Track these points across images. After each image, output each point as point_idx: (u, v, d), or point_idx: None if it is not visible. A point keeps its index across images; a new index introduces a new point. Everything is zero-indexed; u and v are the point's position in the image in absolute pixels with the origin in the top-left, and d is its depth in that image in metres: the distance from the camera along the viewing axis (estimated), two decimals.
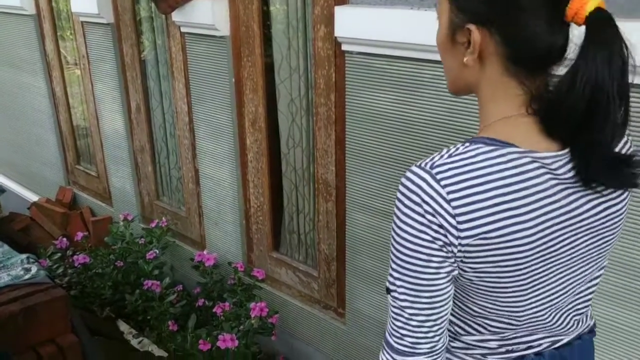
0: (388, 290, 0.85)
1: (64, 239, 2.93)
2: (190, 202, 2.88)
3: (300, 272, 2.47)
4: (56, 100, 3.68)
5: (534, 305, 0.86)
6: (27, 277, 1.65)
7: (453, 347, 0.95)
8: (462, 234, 0.76)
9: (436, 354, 0.85)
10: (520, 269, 0.80)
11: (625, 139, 0.85)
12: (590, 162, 0.77)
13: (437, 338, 0.84)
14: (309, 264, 2.47)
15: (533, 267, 0.81)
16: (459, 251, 0.78)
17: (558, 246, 0.81)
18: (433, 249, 0.78)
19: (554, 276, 0.84)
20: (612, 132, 0.75)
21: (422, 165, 0.78)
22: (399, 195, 0.79)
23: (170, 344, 2.39)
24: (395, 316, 0.84)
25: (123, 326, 2.67)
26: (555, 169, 0.78)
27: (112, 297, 2.72)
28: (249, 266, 2.63)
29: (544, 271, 0.82)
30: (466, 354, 0.94)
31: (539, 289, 0.84)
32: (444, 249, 0.78)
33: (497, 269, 0.80)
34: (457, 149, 0.79)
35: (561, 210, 0.80)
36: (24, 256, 1.76)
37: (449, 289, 0.82)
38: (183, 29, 2.45)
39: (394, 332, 0.85)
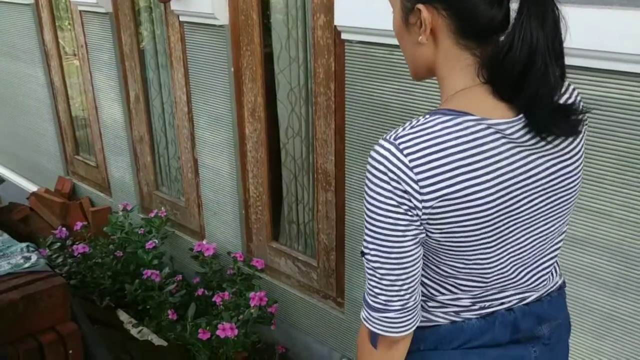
0: (362, 253, 0.92)
1: (64, 228, 2.93)
2: (189, 192, 2.88)
3: (300, 262, 2.48)
4: (54, 90, 3.67)
5: (499, 262, 0.93)
6: (26, 265, 1.65)
7: (430, 306, 1.01)
8: (425, 197, 0.84)
9: (407, 311, 0.93)
10: (483, 228, 0.87)
11: (569, 90, 0.91)
12: (535, 113, 0.84)
13: (407, 296, 0.92)
14: (308, 254, 2.47)
15: (495, 226, 0.87)
16: (424, 214, 0.85)
17: (518, 205, 0.88)
18: (399, 213, 0.85)
19: (517, 234, 0.91)
20: (551, 86, 0.83)
21: (387, 137, 0.86)
22: (368, 166, 0.87)
23: (169, 333, 2.40)
24: (369, 277, 0.92)
25: (123, 316, 2.67)
26: (511, 134, 0.85)
27: (111, 286, 2.72)
28: (248, 256, 2.63)
29: (506, 229, 0.89)
30: (442, 312, 1.00)
31: (503, 247, 0.91)
32: (409, 213, 0.85)
33: (461, 229, 0.87)
34: (419, 120, 0.87)
35: (518, 171, 0.86)
36: (23, 245, 1.76)
37: (416, 251, 0.90)
38: (182, 18, 2.44)
39: (369, 291, 0.93)
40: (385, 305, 0.92)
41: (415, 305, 0.94)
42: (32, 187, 3.99)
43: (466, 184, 0.83)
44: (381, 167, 0.84)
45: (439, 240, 0.89)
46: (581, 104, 0.91)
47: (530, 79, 0.82)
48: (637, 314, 1.48)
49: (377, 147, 0.86)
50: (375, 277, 0.91)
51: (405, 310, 0.92)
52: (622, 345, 1.54)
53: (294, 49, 2.15)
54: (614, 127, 1.32)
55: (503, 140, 0.84)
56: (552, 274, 1.04)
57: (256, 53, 2.26)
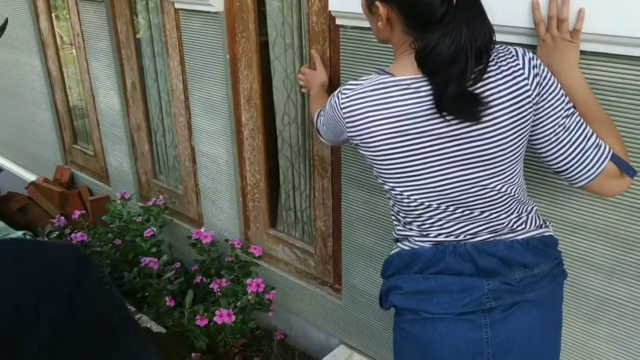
0: (318, 115, 1.43)
1: (62, 217, 2.94)
2: (187, 180, 2.88)
3: (297, 249, 2.48)
4: (52, 79, 3.66)
5: (413, 192, 1.18)
6: None
7: (398, 233, 1.29)
8: (348, 130, 1.20)
9: (334, 144, 1.52)
10: (390, 160, 1.16)
11: (493, 63, 1.09)
12: (442, 97, 1.06)
13: (335, 143, 1.45)
14: (305, 241, 2.48)
15: (400, 160, 1.15)
16: (350, 138, 1.21)
17: (422, 145, 1.12)
18: (336, 126, 1.24)
19: (426, 172, 1.14)
20: (465, 78, 1.04)
21: (345, 85, 1.21)
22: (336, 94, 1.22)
23: (168, 320, 2.41)
24: (319, 122, 1.42)
25: None
26: (419, 88, 1.10)
27: (110, 275, 2.73)
28: (245, 243, 2.64)
29: (412, 165, 1.14)
30: (407, 241, 1.26)
31: (413, 179, 1.16)
32: (342, 131, 1.23)
33: (375, 159, 1.18)
34: (366, 77, 1.19)
35: (421, 119, 1.10)
36: (20, 233, 1.76)
37: (342, 139, 1.29)
38: (177, 5, 2.42)
39: (318, 123, 1.44)
40: (322, 133, 1.42)
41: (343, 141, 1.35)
42: (30, 177, 4.00)
43: (371, 125, 1.14)
44: (332, 101, 1.23)
45: (370, 165, 1.22)
46: (504, 72, 1.08)
47: (451, 69, 1.04)
48: (633, 298, 1.49)
49: (338, 89, 1.22)
50: (321, 126, 1.39)
51: (332, 143, 1.46)
52: (617, 328, 1.55)
53: (289, 35, 2.14)
54: (608, 111, 1.31)
55: (408, 94, 1.11)
56: (501, 217, 1.19)
57: (251, 40, 2.25)
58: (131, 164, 3.20)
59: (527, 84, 1.08)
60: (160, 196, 2.96)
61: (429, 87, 1.09)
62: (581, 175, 1.13)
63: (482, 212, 1.18)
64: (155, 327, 2.47)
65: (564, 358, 1.67)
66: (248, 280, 2.27)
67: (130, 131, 3.13)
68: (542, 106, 1.10)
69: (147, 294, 2.56)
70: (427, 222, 1.21)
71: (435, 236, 1.21)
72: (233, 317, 2.16)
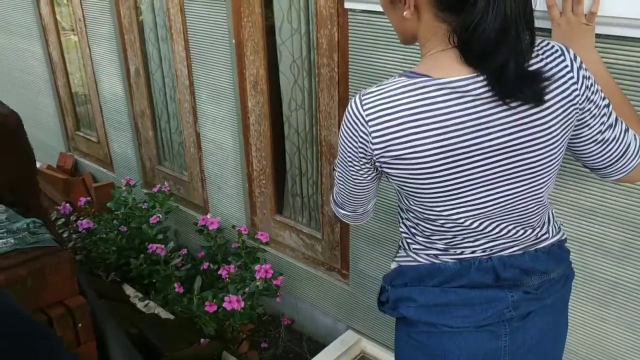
0: (333, 168, 1.18)
1: (67, 204, 2.93)
2: (192, 166, 2.87)
3: (304, 235, 2.48)
4: (53, 65, 3.64)
5: (453, 212, 1.04)
6: (32, 240, 1.65)
7: (414, 248, 1.17)
8: (375, 147, 0.99)
9: (356, 214, 1.24)
10: (430, 179, 1.00)
11: (535, 54, 0.96)
12: (502, 79, 0.91)
13: (355, 206, 1.22)
14: (312, 227, 2.48)
15: (444, 178, 0.99)
16: (377, 161, 1.02)
17: (469, 160, 0.97)
18: (355, 155, 1.04)
19: (473, 189, 1.01)
20: (521, 54, 0.90)
21: (360, 93, 1.01)
22: (345, 112, 1.04)
23: (176, 307, 2.42)
24: (335, 182, 1.20)
25: (129, 290, 2.69)
26: (469, 90, 0.94)
27: (117, 261, 2.74)
28: (252, 229, 2.64)
29: (458, 183, 1.00)
30: (424, 254, 1.15)
31: (456, 199, 1.02)
32: (364, 158, 1.04)
33: (410, 179, 1.01)
34: (388, 80, 1.00)
35: (470, 129, 0.95)
36: (28, 220, 1.75)
37: (366, 183, 1.12)
38: None
39: (334, 189, 1.23)
40: (341, 205, 1.24)
41: (363, 212, 1.24)
42: None
43: (412, 138, 0.96)
44: (348, 117, 1.02)
45: (398, 185, 1.06)
46: (551, 65, 0.96)
47: (503, 49, 0.89)
48: None
49: (351, 100, 1.02)
50: (337, 187, 1.19)
51: (354, 213, 1.24)
52: (626, 312, 1.55)
53: (296, 19, 2.12)
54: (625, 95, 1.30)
55: (459, 100, 0.94)
56: (534, 228, 1.12)
57: (257, 24, 2.23)
58: (135, 151, 3.19)
59: (576, 89, 0.97)
60: (165, 182, 2.95)
61: (479, 87, 0.93)
62: (620, 170, 1.09)
63: (516, 227, 1.10)
64: (164, 314, 2.48)
65: (575, 342, 1.68)
66: (257, 267, 2.27)
67: (134, 117, 3.11)
68: (589, 109, 1.01)
69: (154, 280, 2.57)
70: (456, 239, 1.10)
71: (462, 253, 1.12)
72: (242, 303, 2.17)
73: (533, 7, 0.91)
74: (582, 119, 1.01)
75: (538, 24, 1.32)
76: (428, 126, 0.95)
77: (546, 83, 0.93)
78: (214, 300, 2.22)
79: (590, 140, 1.05)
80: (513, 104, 0.93)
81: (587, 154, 1.08)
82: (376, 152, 1.00)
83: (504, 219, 1.07)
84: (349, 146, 1.04)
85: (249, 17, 2.24)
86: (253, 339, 2.57)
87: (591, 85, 0.99)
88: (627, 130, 1.07)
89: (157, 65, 2.87)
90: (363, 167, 1.06)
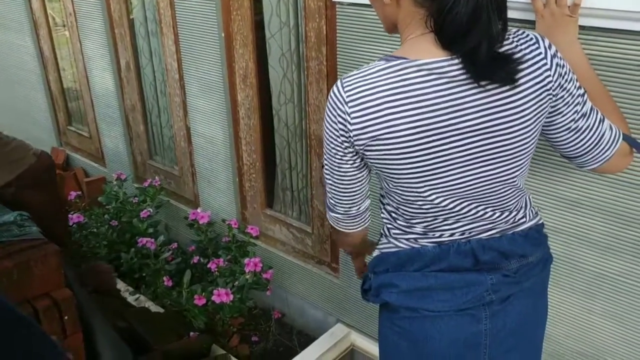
0: (322, 165, 1.15)
1: None
2: (182, 160, 2.87)
3: (294, 229, 2.48)
4: (44, 59, 3.62)
5: (431, 194, 1.06)
6: (19, 233, 1.64)
7: (394, 233, 1.19)
8: (354, 127, 1.01)
9: (349, 217, 1.22)
10: (408, 160, 1.01)
11: (509, 40, 0.99)
12: (475, 61, 0.94)
13: (349, 205, 1.19)
14: (302, 221, 2.48)
15: (421, 159, 1.01)
16: (355, 142, 1.03)
17: (445, 141, 0.99)
18: (338, 141, 1.06)
19: (450, 170, 1.03)
20: (493, 37, 0.94)
21: (342, 77, 1.03)
22: (327, 99, 1.06)
23: (165, 300, 2.42)
24: (325, 182, 1.17)
25: (119, 284, 2.69)
26: (445, 72, 0.96)
27: (107, 255, 2.73)
28: (242, 223, 2.64)
29: (435, 164, 1.02)
30: (404, 239, 1.17)
31: (434, 180, 1.04)
32: (346, 142, 1.05)
33: (389, 158, 1.03)
34: (368, 65, 1.02)
35: (446, 110, 0.97)
36: (15, 213, 1.75)
37: (355, 172, 1.11)
38: None
39: (326, 193, 1.19)
40: (333, 207, 1.21)
41: (357, 214, 1.21)
42: None
43: (389, 118, 0.98)
44: (330, 101, 1.04)
45: (377, 168, 1.07)
46: (524, 51, 0.98)
47: (474, 32, 0.92)
48: (628, 273, 1.50)
49: (334, 86, 1.04)
50: (328, 184, 1.16)
51: (347, 215, 1.21)
52: (612, 303, 1.56)
53: (285, 12, 2.11)
54: (607, 87, 1.31)
55: (435, 81, 0.96)
56: (511, 212, 1.13)
57: (246, 17, 2.23)
58: (126, 145, 3.18)
59: (549, 75, 0.99)
60: (156, 177, 2.95)
61: (454, 70, 0.96)
62: (595, 159, 1.10)
63: (495, 211, 1.11)
64: (154, 307, 2.48)
65: (562, 334, 1.68)
66: (246, 260, 2.27)
67: (125, 112, 3.11)
68: (562, 96, 1.02)
69: (144, 274, 2.57)
70: (435, 222, 1.12)
71: (440, 236, 1.13)
72: (231, 297, 2.17)
73: None
74: (555, 106, 1.03)
75: (522, 15, 1.33)
76: (405, 106, 0.97)
77: (518, 65, 0.96)
78: (203, 294, 2.22)
79: (564, 128, 1.06)
80: (487, 86, 0.96)
81: (561, 141, 1.09)
82: (354, 133, 1.02)
83: (480, 201, 1.09)
84: (331, 130, 1.05)
85: (238, 10, 2.23)
86: (243, 332, 2.57)
87: (565, 73, 1.01)
88: (602, 120, 1.07)
89: (148, 59, 2.86)
90: (347, 152, 1.07)
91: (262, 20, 2.22)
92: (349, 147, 1.05)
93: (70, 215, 2.73)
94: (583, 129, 1.06)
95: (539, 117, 1.02)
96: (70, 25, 3.25)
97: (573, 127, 1.06)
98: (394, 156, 1.02)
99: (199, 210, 2.66)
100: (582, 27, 1.27)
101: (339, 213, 1.21)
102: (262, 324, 2.63)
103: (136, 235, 2.66)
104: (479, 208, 1.09)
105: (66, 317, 1.57)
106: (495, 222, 1.13)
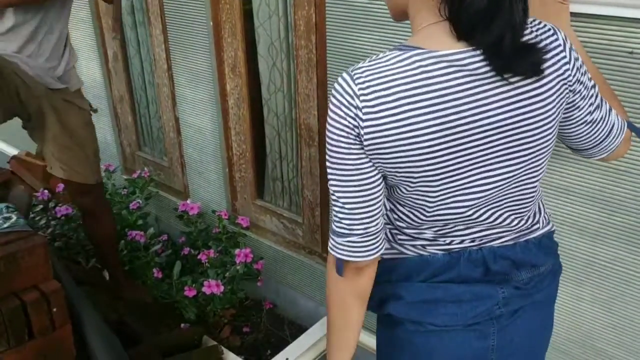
0: (329, 185, 0.99)
1: (46, 191, 2.89)
2: (172, 151, 2.85)
3: (285, 219, 2.48)
4: None
5: (449, 198, 0.96)
6: (6, 225, 1.62)
7: (400, 239, 1.07)
8: (366, 124, 0.89)
9: (369, 236, 0.99)
10: (428, 160, 0.90)
11: (528, 30, 0.90)
12: (498, 53, 0.85)
13: (368, 220, 0.97)
14: (293, 211, 2.47)
15: (441, 159, 0.90)
16: (366, 140, 0.90)
17: (467, 140, 0.89)
18: (350, 140, 0.91)
19: (470, 172, 0.93)
20: (516, 26, 0.84)
21: (349, 69, 0.91)
22: (330, 94, 0.92)
23: (156, 292, 2.41)
24: (333, 202, 0.98)
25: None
26: (466, 65, 0.86)
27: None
28: (233, 214, 2.63)
29: (456, 165, 0.91)
30: (411, 245, 1.06)
31: (453, 183, 0.94)
32: (357, 142, 0.91)
33: (404, 160, 0.91)
34: (378, 55, 0.91)
35: (468, 105, 0.87)
36: (2, 205, 1.73)
37: (373, 177, 0.95)
38: None
39: (334, 217, 0.99)
40: (349, 229, 0.98)
41: (377, 230, 0.99)
42: (12, 151, 3.93)
43: (408, 115, 0.87)
44: (337, 95, 0.90)
45: (389, 171, 0.94)
46: (545, 42, 0.90)
47: (496, 22, 0.82)
48: (616, 260, 1.51)
49: (339, 78, 0.91)
50: (338, 204, 0.97)
51: (367, 235, 0.98)
52: (600, 290, 1.57)
53: (274, 1, 2.09)
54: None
55: (456, 74, 0.86)
56: (528, 217, 1.05)
57: (235, 6, 2.20)
58: (115, 137, 3.15)
59: (568, 69, 0.93)
60: (145, 168, 2.93)
61: (476, 62, 0.86)
62: (605, 149, 1.07)
63: (510, 214, 1.03)
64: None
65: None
66: (236, 251, 2.26)
67: (113, 102, 3.08)
68: (579, 91, 0.96)
69: (134, 266, 2.55)
70: (446, 228, 1.02)
71: (450, 243, 1.04)
72: (222, 288, 2.16)
73: None
74: (573, 101, 0.97)
75: None
76: (426, 101, 0.86)
77: (542, 55, 0.88)
78: (194, 285, 2.22)
79: (580, 122, 1.01)
80: (510, 79, 0.88)
81: (575, 135, 1.04)
82: (367, 131, 0.89)
83: (499, 205, 1.00)
84: (339, 130, 0.91)
85: None
86: (235, 323, 2.56)
87: (581, 66, 0.96)
88: (610, 109, 1.05)
89: (136, 49, 2.83)
90: (360, 157, 0.92)
91: (251, 9, 2.20)
92: (362, 153, 0.93)
93: (58, 208, 2.70)
94: (597, 120, 1.02)
95: (559, 110, 0.95)
96: None
97: (589, 119, 1.01)
98: (412, 157, 0.90)
99: (188, 201, 2.65)
100: (573, 14, 1.27)
101: (356, 234, 0.98)
102: (254, 315, 2.63)
103: (126, 227, 2.64)
104: (497, 213, 1.01)
105: (55, 310, 1.56)
106: (510, 228, 1.04)
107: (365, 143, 0.90)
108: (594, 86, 1.00)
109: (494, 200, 0.98)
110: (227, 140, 2.50)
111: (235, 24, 2.23)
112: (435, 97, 0.86)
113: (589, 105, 1.00)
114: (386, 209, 1.07)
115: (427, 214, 0.99)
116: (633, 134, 1.11)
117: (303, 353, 2.07)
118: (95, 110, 2.22)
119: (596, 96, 1.01)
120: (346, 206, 0.96)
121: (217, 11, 2.25)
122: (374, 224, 0.98)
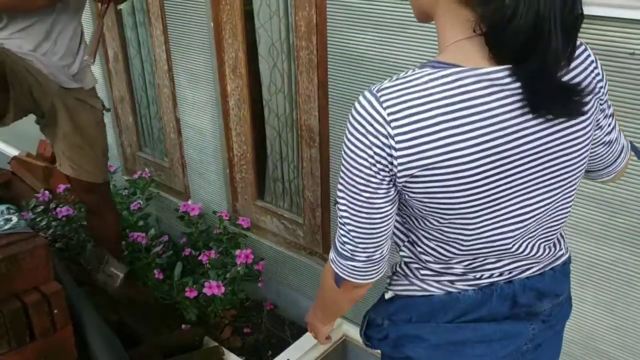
0: (335, 202, 0.91)
1: (46, 192, 2.89)
2: (172, 152, 2.85)
3: (286, 220, 2.48)
4: None
5: (488, 229, 0.87)
6: (7, 227, 1.62)
7: (423, 274, 0.98)
8: (399, 153, 0.78)
9: (372, 263, 0.93)
10: (469, 189, 0.81)
11: (580, 64, 0.83)
12: (535, 90, 0.77)
13: (373, 249, 0.91)
14: (293, 212, 2.47)
15: (483, 189, 0.81)
16: (399, 172, 0.80)
17: (510, 167, 0.81)
18: (372, 170, 0.82)
19: (511, 201, 0.85)
20: (556, 62, 0.74)
21: (372, 89, 0.80)
22: (349, 117, 0.82)
23: (157, 293, 2.40)
24: (339, 225, 0.91)
25: None
26: (507, 84, 0.77)
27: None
28: (234, 215, 2.62)
29: (497, 194, 0.83)
30: (435, 281, 0.97)
31: (493, 213, 0.85)
32: (383, 172, 0.81)
33: (443, 190, 0.81)
34: (406, 73, 0.81)
35: (511, 129, 0.79)
36: (3, 207, 1.73)
37: (387, 209, 0.87)
38: None
39: (338, 238, 0.93)
40: (351, 254, 0.92)
41: (381, 258, 0.93)
42: (13, 152, 3.93)
43: (450, 140, 0.77)
44: (360, 119, 0.80)
45: (421, 202, 0.85)
46: (594, 80, 0.84)
47: (537, 50, 0.73)
48: (617, 261, 1.51)
49: (360, 98, 0.81)
50: (344, 228, 0.90)
51: (369, 262, 0.93)
52: (603, 291, 1.57)
53: (275, 1, 2.09)
54: None
55: (497, 95, 0.77)
56: (555, 245, 1.00)
57: (236, 7, 2.20)
58: (116, 137, 3.15)
59: (602, 87, 0.87)
60: (146, 169, 2.93)
61: (513, 82, 0.77)
62: (612, 171, 1.03)
63: (542, 244, 0.96)
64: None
65: None
66: (237, 252, 2.26)
67: (113, 103, 3.07)
68: (603, 109, 0.92)
69: (135, 267, 2.55)
70: (476, 262, 0.93)
71: (480, 277, 0.95)
72: (222, 289, 2.16)
73: (578, 11, 0.74)
74: (598, 119, 0.91)
75: None
76: (469, 125, 0.77)
77: (584, 97, 0.80)
78: (194, 286, 2.21)
79: (599, 143, 0.96)
80: (548, 116, 0.81)
81: (592, 157, 0.98)
82: (401, 161, 0.79)
83: (532, 235, 0.93)
84: (361, 159, 0.81)
85: None
86: (236, 324, 2.56)
87: (606, 83, 0.89)
88: (619, 129, 1.01)
89: (136, 50, 2.83)
90: (380, 187, 0.84)
91: (251, 10, 2.19)
92: (387, 178, 0.82)
93: (59, 209, 2.70)
94: (612, 141, 0.98)
95: (593, 131, 0.89)
96: None
97: (607, 140, 0.97)
98: (452, 187, 0.80)
99: (189, 202, 2.65)
100: None
101: (358, 261, 0.92)
102: (255, 316, 2.63)
103: (127, 227, 2.64)
104: (530, 244, 0.94)
105: (56, 311, 1.56)
106: (538, 259, 0.97)
107: (399, 174, 0.81)
108: (609, 105, 0.95)
109: (531, 230, 0.91)
110: (227, 141, 2.50)
111: (236, 25, 2.23)
112: (479, 121, 0.77)
113: (608, 126, 0.95)
114: (403, 241, 0.99)
115: (462, 248, 0.90)
116: (635, 156, 1.08)
117: (304, 354, 2.07)
118: (108, 110, 2.22)
119: (612, 116, 0.96)
120: (351, 233, 0.89)
121: (218, 12, 2.25)
122: (379, 252, 0.92)
